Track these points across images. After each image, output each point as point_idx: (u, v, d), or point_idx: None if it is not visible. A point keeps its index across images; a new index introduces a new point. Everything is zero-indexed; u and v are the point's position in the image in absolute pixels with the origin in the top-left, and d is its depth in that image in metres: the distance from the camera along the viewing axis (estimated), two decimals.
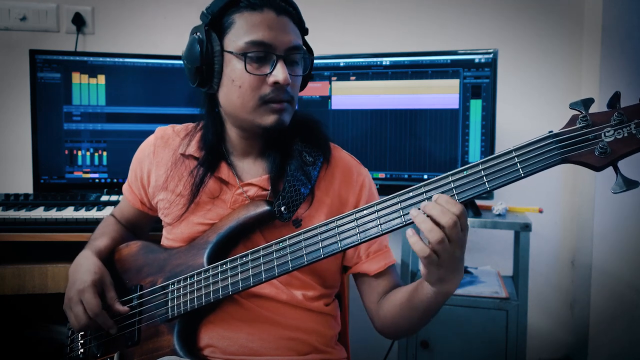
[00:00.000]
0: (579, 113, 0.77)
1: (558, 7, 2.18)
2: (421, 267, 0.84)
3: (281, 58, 0.95)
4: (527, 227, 1.67)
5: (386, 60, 1.84)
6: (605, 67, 2.03)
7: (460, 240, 0.80)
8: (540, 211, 1.87)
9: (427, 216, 0.79)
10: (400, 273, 1.79)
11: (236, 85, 0.96)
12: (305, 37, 1.05)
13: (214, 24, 0.97)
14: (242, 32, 0.95)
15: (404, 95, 1.83)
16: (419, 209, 0.80)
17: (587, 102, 0.77)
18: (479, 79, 1.76)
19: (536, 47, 2.18)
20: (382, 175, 1.86)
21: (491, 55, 1.74)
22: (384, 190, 1.85)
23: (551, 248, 2.24)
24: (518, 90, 2.17)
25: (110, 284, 1.07)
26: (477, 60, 1.76)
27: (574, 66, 2.18)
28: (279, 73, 0.94)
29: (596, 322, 2.10)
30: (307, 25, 1.04)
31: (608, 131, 0.75)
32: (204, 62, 0.97)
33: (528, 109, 2.18)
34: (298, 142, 1.05)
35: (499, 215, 1.79)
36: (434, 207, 0.78)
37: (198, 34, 0.98)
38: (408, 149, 1.83)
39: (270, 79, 0.95)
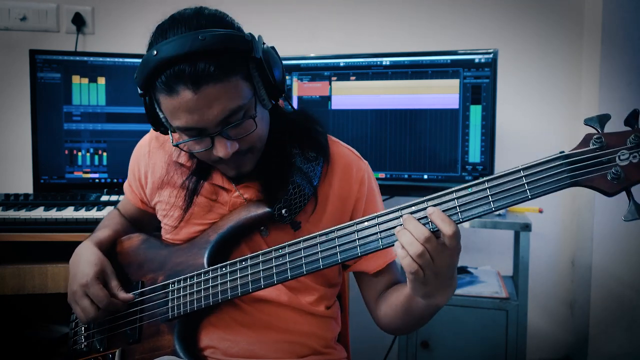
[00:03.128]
0: (594, 133, 0.73)
1: (558, 7, 2.18)
2: (408, 282, 0.82)
3: (217, 134, 0.88)
4: (527, 227, 1.67)
5: (386, 60, 1.84)
6: (605, 67, 2.03)
7: (444, 260, 0.78)
8: (540, 211, 1.87)
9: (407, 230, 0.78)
10: (400, 273, 1.78)
11: (190, 153, 0.96)
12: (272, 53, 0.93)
13: (149, 93, 0.91)
14: (168, 114, 0.89)
15: (404, 95, 1.83)
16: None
17: (603, 119, 0.73)
18: (479, 79, 1.76)
19: (536, 47, 2.18)
20: (382, 175, 1.86)
21: (491, 55, 1.74)
22: (384, 190, 1.84)
23: (551, 248, 2.24)
24: (518, 90, 2.17)
25: (112, 273, 1.06)
26: (477, 60, 1.76)
27: (574, 66, 2.18)
28: (219, 151, 0.89)
29: (596, 322, 2.10)
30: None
31: (623, 154, 0.70)
32: (157, 128, 0.96)
33: (528, 109, 2.18)
34: (295, 145, 1.02)
35: (499, 215, 1.79)
36: (403, 234, 0.78)
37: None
38: (408, 149, 1.83)
39: (214, 154, 0.90)
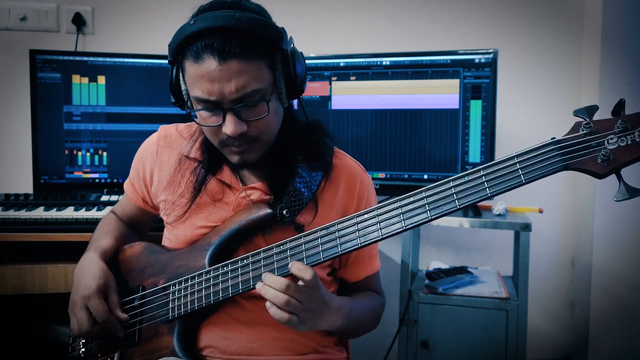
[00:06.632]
0: (582, 120, 0.76)
1: (558, 7, 2.18)
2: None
3: (229, 110, 0.91)
4: (527, 227, 1.67)
5: (386, 60, 1.84)
6: (605, 67, 2.03)
7: (308, 296, 0.87)
8: (540, 211, 1.87)
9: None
10: (400, 273, 1.79)
11: (201, 126, 0.99)
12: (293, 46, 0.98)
13: (178, 61, 0.95)
14: (190, 82, 0.92)
15: (404, 95, 1.83)
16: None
17: (591, 110, 0.76)
18: (479, 79, 1.76)
19: (536, 47, 2.18)
20: (382, 175, 1.86)
21: (491, 55, 1.74)
22: (384, 190, 1.85)
23: (551, 248, 2.24)
24: (518, 90, 2.17)
25: (114, 288, 1.06)
26: (477, 60, 1.76)
27: (574, 66, 2.18)
28: (228, 127, 0.92)
29: (596, 322, 2.10)
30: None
31: (611, 138, 0.74)
32: (177, 100, 0.99)
33: (528, 109, 2.18)
34: (300, 151, 1.04)
35: (499, 215, 1.79)
36: (266, 290, 0.87)
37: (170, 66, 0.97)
38: (408, 149, 1.83)
39: (223, 130, 0.93)
